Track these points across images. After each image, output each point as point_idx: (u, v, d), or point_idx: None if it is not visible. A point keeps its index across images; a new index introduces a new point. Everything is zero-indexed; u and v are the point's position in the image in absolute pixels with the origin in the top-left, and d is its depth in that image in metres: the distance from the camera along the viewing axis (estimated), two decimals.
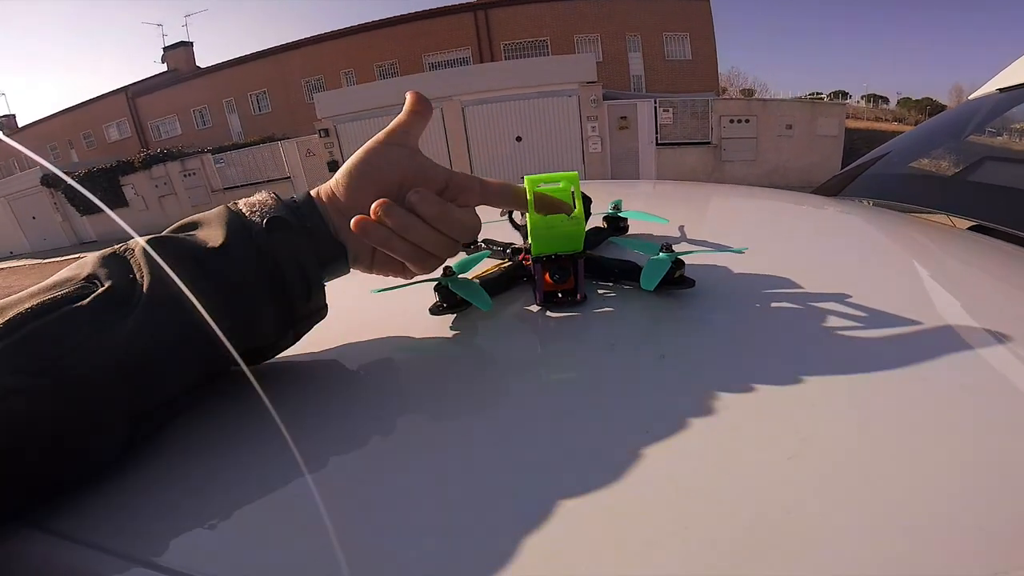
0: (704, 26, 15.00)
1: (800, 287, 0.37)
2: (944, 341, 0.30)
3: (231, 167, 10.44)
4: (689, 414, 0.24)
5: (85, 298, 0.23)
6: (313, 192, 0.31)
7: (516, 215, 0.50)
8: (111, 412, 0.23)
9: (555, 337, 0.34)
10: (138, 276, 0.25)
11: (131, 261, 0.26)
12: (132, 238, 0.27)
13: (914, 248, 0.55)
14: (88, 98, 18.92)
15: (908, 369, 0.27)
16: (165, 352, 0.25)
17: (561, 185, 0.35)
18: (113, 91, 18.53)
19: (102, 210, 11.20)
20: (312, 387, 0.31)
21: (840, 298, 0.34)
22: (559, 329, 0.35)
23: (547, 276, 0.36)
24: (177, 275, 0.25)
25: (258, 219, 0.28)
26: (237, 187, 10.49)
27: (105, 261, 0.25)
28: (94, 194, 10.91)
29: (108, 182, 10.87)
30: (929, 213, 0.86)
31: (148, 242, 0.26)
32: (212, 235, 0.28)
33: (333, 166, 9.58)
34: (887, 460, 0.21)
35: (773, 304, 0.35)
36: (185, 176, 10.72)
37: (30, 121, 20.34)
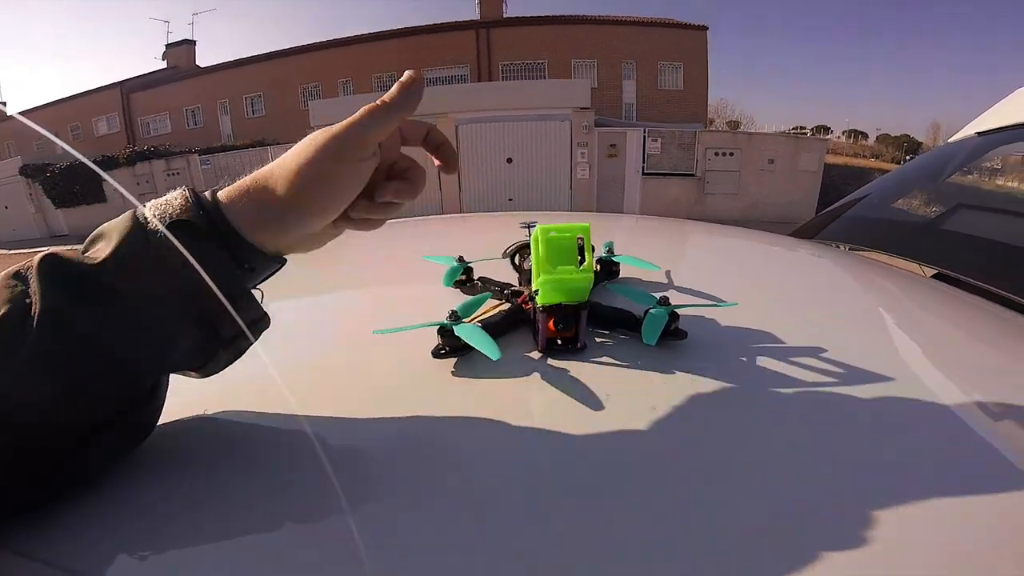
0: (699, 56, 15.51)
1: (781, 340, 0.40)
2: (910, 391, 0.34)
3: (217, 169, 10.30)
4: (677, 469, 0.27)
5: None
6: (227, 190, 0.28)
7: (517, 258, 0.52)
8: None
9: (554, 385, 0.35)
10: (32, 301, 0.22)
11: (30, 282, 0.23)
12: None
13: (884, 298, 0.59)
14: (82, 90, 18.68)
15: (879, 418, 0.31)
16: (62, 387, 0.23)
17: (568, 234, 0.35)
18: (108, 85, 18.31)
19: (77, 204, 10.94)
20: (308, 425, 0.31)
21: (816, 351, 0.38)
22: (558, 378, 0.35)
23: (551, 324, 0.36)
24: (67, 299, 0.23)
25: (161, 224, 0.25)
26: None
27: (9, 281, 0.23)
28: (72, 188, 10.66)
29: (89, 176, 10.65)
30: (901, 259, 0.89)
31: (39, 262, 0.23)
32: (108, 248, 0.24)
33: None
34: (866, 510, 0.23)
35: (758, 357, 0.37)
36: (169, 175, 10.55)
37: (19, 110, 19.89)
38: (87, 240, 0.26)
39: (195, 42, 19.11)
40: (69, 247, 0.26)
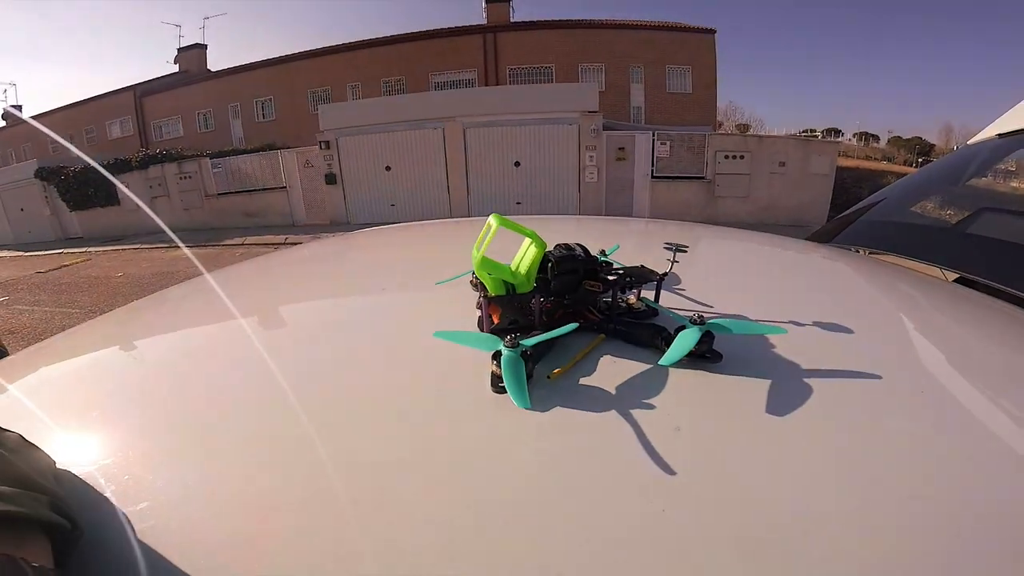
0: (707, 60, 15.48)
1: (804, 351, 0.39)
2: (942, 409, 0.33)
3: (228, 172, 10.45)
4: (701, 488, 0.27)
5: None
6: None
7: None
8: None
9: (588, 406, 0.34)
10: None
11: None
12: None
13: (908, 305, 0.58)
14: (97, 94, 19.02)
15: (906, 437, 0.30)
16: None
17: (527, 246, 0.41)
18: (121, 89, 18.65)
19: (91, 207, 11.17)
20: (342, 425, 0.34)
21: (845, 374, 0.36)
22: (591, 398, 0.35)
23: (494, 314, 0.41)
24: None
25: None
26: (232, 193, 10.49)
27: None
28: (86, 191, 10.86)
29: (102, 179, 10.84)
30: (921, 263, 0.87)
31: None
32: None
33: (330, 179, 9.64)
34: (903, 528, 0.24)
35: (782, 377, 0.36)
36: (181, 179, 10.71)
37: (35, 112, 20.39)
38: None
39: (206, 46, 19.43)
40: None
